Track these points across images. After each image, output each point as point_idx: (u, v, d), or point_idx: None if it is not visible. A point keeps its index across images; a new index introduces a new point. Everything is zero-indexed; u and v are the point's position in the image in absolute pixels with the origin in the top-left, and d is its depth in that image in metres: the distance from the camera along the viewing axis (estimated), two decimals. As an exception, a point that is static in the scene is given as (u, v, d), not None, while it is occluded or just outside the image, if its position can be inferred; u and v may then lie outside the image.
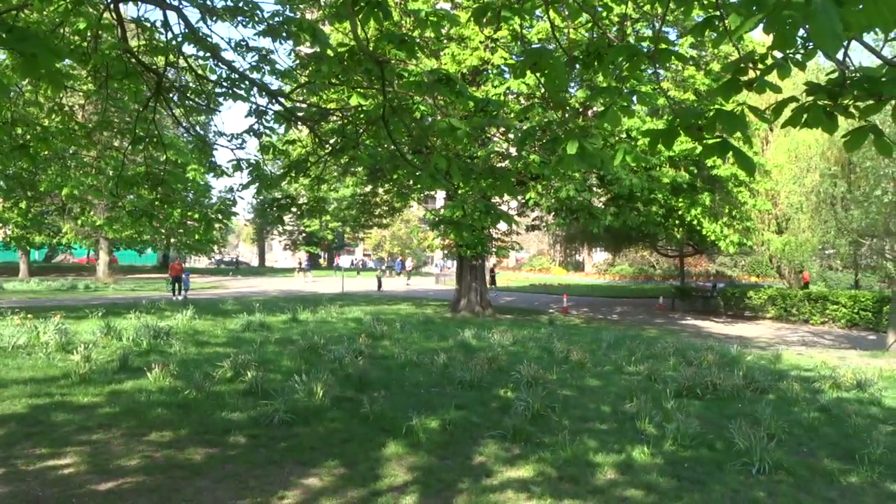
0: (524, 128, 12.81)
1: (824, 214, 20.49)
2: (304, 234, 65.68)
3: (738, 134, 2.67)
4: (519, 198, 21.08)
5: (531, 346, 13.29)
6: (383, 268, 44.72)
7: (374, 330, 14.36)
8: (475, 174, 4.64)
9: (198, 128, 30.95)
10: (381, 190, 24.39)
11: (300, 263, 47.55)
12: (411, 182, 17.33)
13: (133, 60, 5.31)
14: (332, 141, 6.89)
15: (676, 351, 12.73)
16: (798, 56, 2.79)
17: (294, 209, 21.43)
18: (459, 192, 10.65)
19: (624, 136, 17.02)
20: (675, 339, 15.07)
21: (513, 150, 18.59)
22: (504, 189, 4.77)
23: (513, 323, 18.73)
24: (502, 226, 25.34)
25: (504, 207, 25.25)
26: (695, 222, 18.67)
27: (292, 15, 6.28)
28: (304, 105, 7.78)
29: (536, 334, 15.09)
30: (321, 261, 73.02)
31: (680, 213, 18.82)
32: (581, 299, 33.56)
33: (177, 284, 25.37)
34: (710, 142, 2.67)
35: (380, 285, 34.99)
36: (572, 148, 3.10)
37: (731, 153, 2.67)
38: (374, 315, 17.72)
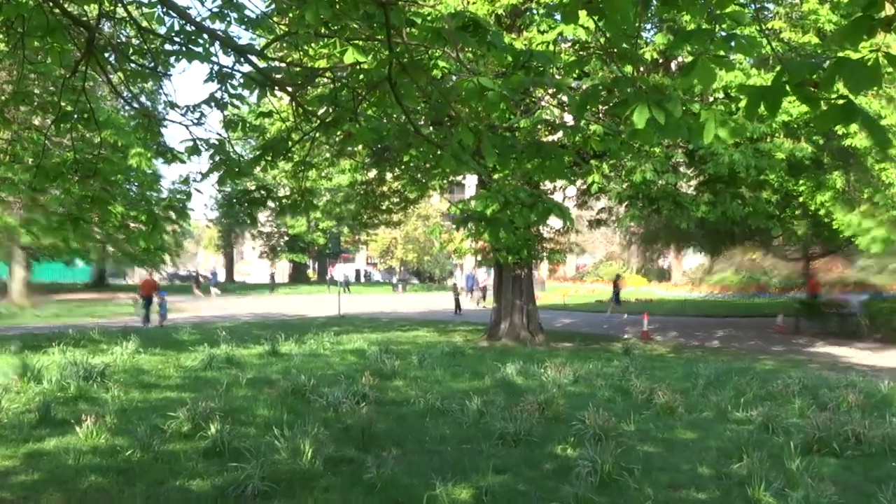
0: (582, 88, 12.83)
1: None
2: (286, 238, 66.51)
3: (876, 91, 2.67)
4: (577, 183, 21.05)
5: (599, 384, 13.33)
6: (460, 285, 44.22)
7: (381, 366, 14.49)
8: (515, 152, 4.68)
9: (143, 98, 31.54)
10: (389, 176, 24.61)
11: (272, 278, 47.93)
12: (429, 165, 17.43)
13: (57, 11, 5.46)
14: (321, 112, 6.99)
15: (803, 389, 12.67)
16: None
17: (271, 204, 21.71)
18: (495, 176, 10.70)
19: (721, 96, 16.95)
20: (802, 373, 14.92)
21: (568, 119, 18.59)
22: (555, 172, 4.81)
23: (573, 353, 18.76)
24: (555, 222, 25.38)
25: (557, 197, 25.26)
26: (822, 212, 18.50)
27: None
28: (282, 65, 7.89)
29: (606, 368, 15.14)
30: (309, 272, 73.82)
31: (801, 199, 18.68)
32: (668, 319, 33.41)
33: (149, 307, 25.88)
34: (829, 103, 2.68)
35: (458, 306, 36.44)
36: (641, 117, 3.12)
37: (857, 120, 2.67)
38: (382, 346, 17.87)
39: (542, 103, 18.69)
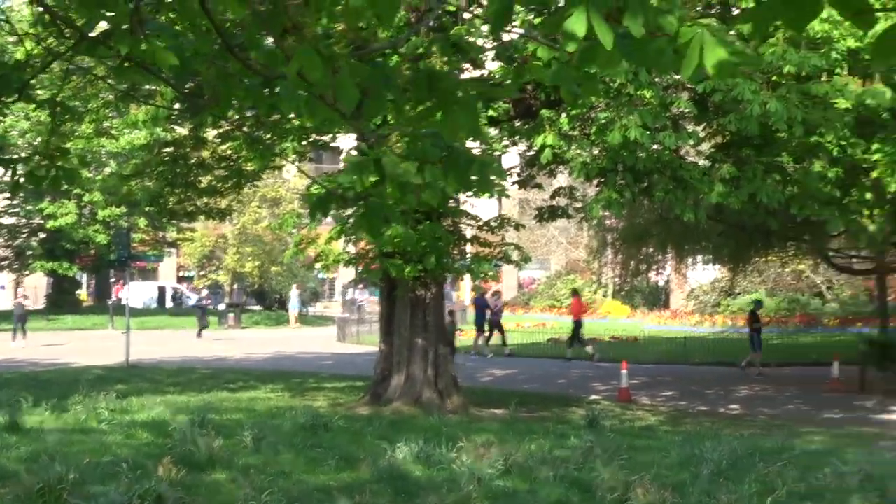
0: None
1: None
2: (41, 236, 64.69)
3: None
4: (515, 147, 21.05)
5: (545, 476, 13.23)
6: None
7: (192, 448, 14.20)
8: (394, 92, 4.61)
9: None
10: (211, 134, 24.15)
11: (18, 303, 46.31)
12: (264, 114, 17.13)
13: None
14: (82, 22, 6.82)
15: (866, 482, 12.80)
16: None
17: (7, 176, 21.11)
18: (377, 132, 10.64)
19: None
20: (867, 455, 15.20)
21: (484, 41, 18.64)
22: (464, 125, 4.75)
23: (506, 426, 18.76)
24: (483, 210, 25.42)
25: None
26: (908, 196, 18.86)
27: None
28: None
29: (558, 451, 15.07)
30: (80, 294, 72.34)
31: (875, 175, 19.06)
32: (661, 369, 33.93)
33: None
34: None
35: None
36: (579, 25, 3.10)
37: None
38: (195, 415, 17.55)
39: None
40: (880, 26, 2.89)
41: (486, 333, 39.99)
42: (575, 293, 42.75)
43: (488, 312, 40.24)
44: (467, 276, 23.82)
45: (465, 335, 40.94)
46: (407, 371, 21.99)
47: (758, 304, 38.98)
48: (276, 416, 18.76)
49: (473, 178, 5.08)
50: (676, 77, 17.35)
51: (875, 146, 18.84)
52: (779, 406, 25.12)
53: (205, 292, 58.66)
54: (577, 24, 3.24)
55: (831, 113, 17.79)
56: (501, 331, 40.44)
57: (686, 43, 3.61)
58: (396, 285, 21.78)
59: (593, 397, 25.44)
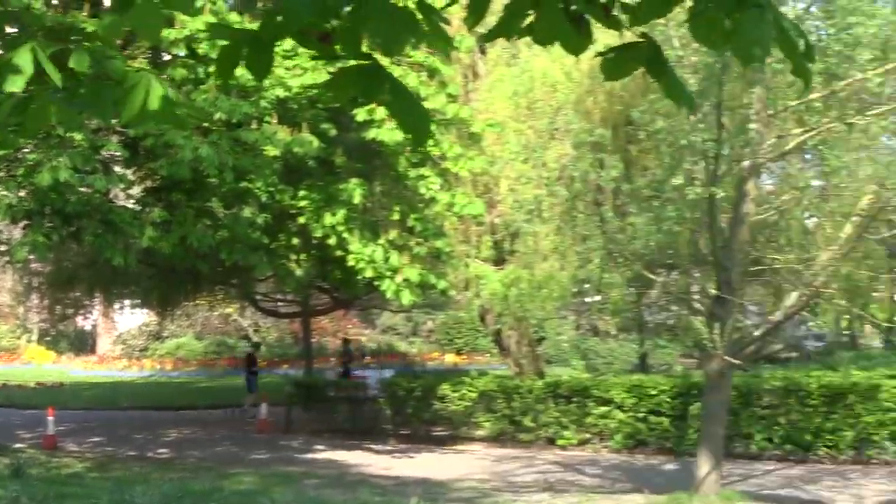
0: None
1: (583, 224, 22.79)
2: None
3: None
4: None
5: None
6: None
7: None
8: None
9: None
10: None
11: None
12: None
13: None
14: None
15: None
16: None
17: None
18: None
19: (183, 53, 17.19)
20: (294, 494, 15.50)
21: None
22: None
23: None
24: None
25: None
26: (332, 241, 19.51)
27: None
28: None
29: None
30: None
31: (302, 220, 19.56)
32: (90, 415, 33.49)
33: None
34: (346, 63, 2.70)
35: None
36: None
37: (385, 89, 2.75)
38: None
39: None
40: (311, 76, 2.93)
41: None
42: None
43: None
44: None
45: None
46: None
47: (255, 347, 40.79)
48: None
49: None
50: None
51: (302, 193, 19.49)
52: (208, 448, 25.23)
53: None
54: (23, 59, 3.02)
55: (261, 160, 18.14)
56: None
57: (132, 87, 3.52)
58: None
59: (18, 445, 24.31)
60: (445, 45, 3.32)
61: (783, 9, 15.60)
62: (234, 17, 17.92)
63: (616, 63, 3.31)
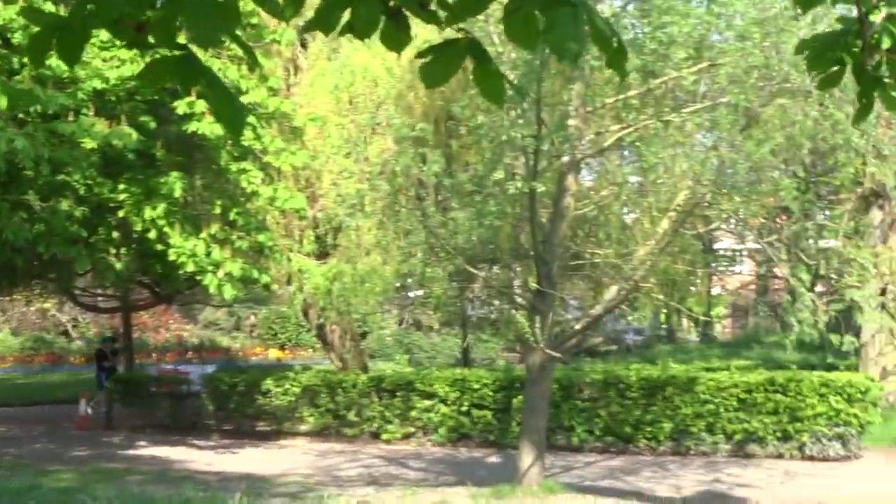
0: None
1: (405, 219, 22.97)
2: None
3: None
4: None
5: None
6: None
7: None
8: None
9: None
10: None
11: None
12: None
13: None
14: None
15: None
16: None
17: None
18: None
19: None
20: (116, 490, 15.24)
21: None
22: None
23: None
24: None
25: None
26: (152, 235, 19.22)
27: None
28: None
29: None
30: None
31: (122, 214, 19.22)
32: None
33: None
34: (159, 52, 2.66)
35: None
36: None
37: (200, 82, 2.69)
38: None
39: None
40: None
41: None
42: None
43: None
44: None
45: None
46: None
47: (112, 340, 38.31)
48: None
49: None
50: None
51: (121, 186, 19.09)
52: (26, 445, 24.65)
53: None
54: None
55: (78, 152, 17.75)
56: None
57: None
58: None
59: None
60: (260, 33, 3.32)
61: (600, 6, 15.99)
62: (49, 6, 17.47)
63: (436, 66, 3.30)
